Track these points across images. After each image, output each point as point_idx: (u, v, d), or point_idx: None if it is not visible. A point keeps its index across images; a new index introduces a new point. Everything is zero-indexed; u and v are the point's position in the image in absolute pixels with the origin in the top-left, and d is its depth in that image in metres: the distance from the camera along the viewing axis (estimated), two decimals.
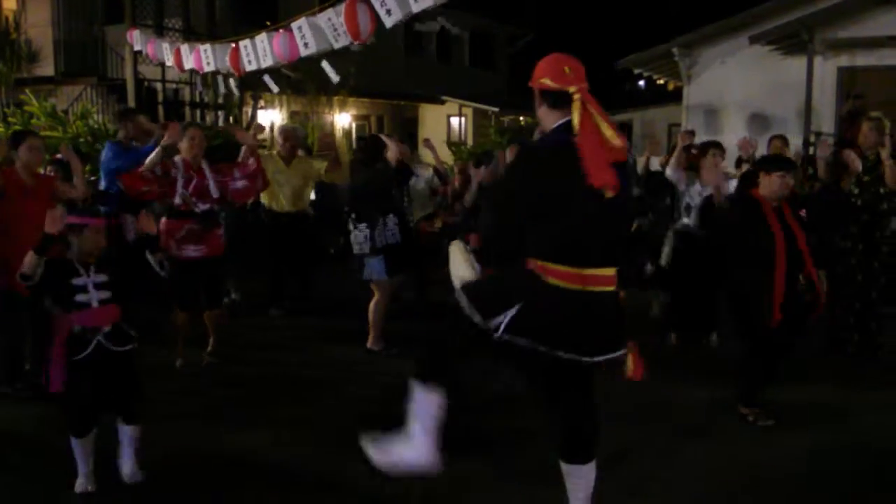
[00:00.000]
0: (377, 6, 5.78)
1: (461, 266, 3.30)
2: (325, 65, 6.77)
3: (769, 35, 13.64)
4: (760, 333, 4.84)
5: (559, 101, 3.08)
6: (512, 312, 2.99)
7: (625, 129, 23.77)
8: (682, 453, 4.53)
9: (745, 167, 8.65)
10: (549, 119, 3.14)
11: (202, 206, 6.08)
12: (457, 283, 3.26)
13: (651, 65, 17.20)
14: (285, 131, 8.12)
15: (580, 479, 3.25)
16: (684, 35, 15.26)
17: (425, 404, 3.06)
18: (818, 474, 4.28)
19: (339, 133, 20.58)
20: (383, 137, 6.94)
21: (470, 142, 23.04)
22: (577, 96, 3.02)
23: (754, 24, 14.12)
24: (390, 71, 21.14)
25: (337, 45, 6.33)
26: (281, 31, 6.84)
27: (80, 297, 3.97)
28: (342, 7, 6.11)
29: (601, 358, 3.08)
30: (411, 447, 3.05)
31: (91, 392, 3.96)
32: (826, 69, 13.39)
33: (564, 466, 3.27)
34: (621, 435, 4.59)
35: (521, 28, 27.74)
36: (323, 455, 4.52)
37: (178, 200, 6.00)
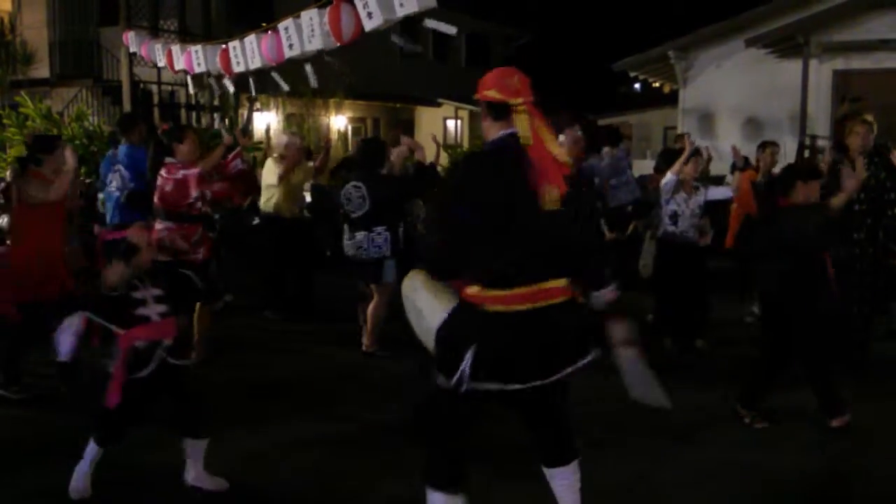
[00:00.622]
0: (360, 8, 5.72)
1: (427, 302, 3.22)
2: (308, 69, 6.72)
3: (765, 38, 13.68)
4: (804, 344, 4.86)
5: (503, 113, 3.10)
6: (468, 360, 2.96)
7: (620, 131, 23.77)
8: (675, 456, 4.52)
9: (737, 174, 8.66)
10: (492, 131, 3.15)
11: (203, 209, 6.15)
12: (421, 330, 3.24)
13: (647, 67, 17.24)
14: (288, 140, 8.12)
15: (564, 481, 3.24)
16: (680, 38, 15.29)
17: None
18: (815, 477, 4.28)
19: (334, 135, 20.61)
20: (403, 139, 7.02)
21: (466, 144, 23.04)
22: (521, 108, 3.05)
23: (750, 28, 14.16)
24: (386, 73, 21.14)
25: (311, 47, 6.24)
26: (269, 32, 6.81)
27: (141, 311, 3.83)
28: (327, 9, 6.06)
29: (568, 370, 3.03)
30: None
31: (142, 408, 3.86)
32: (821, 73, 13.43)
33: (548, 471, 3.26)
34: (614, 437, 4.58)
35: (517, 30, 27.77)
36: (325, 459, 4.51)
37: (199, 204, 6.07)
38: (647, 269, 6.92)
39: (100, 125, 12.73)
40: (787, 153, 11.59)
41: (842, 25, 13.14)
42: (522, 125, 3.03)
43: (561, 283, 3.05)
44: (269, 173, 7.88)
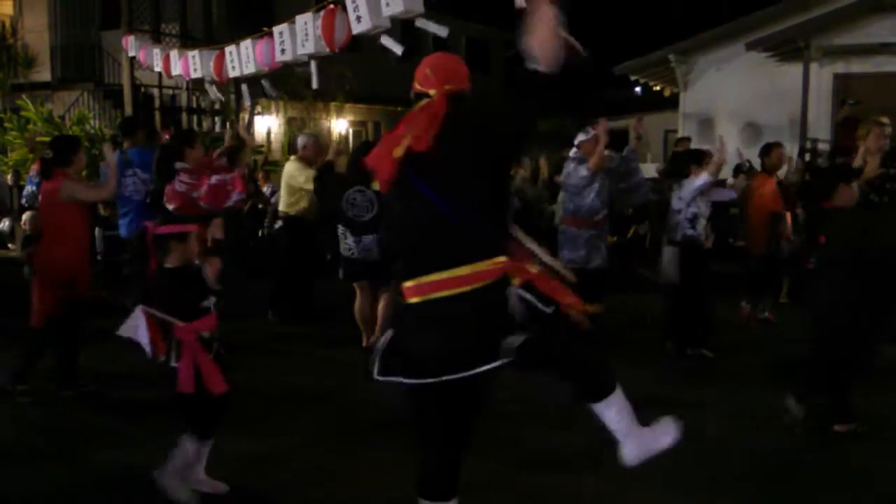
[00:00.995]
0: (350, 11, 5.72)
1: None
2: (312, 68, 6.71)
3: (765, 42, 13.70)
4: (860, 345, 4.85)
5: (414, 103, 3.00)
6: (378, 351, 2.88)
7: (621, 135, 23.77)
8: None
9: (741, 176, 8.66)
10: None
11: None
12: None
13: (647, 71, 17.27)
14: (310, 139, 8.16)
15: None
16: (681, 42, 15.31)
17: None
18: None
19: (336, 138, 20.61)
20: None
21: None
22: (429, 98, 2.93)
23: (751, 32, 14.18)
24: (386, 76, 21.13)
25: (303, 51, 6.23)
26: (265, 37, 6.80)
27: (205, 303, 3.94)
28: (322, 13, 6.05)
29: (479, 369, 2.69)
30: None
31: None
32: (822, 76, 13.44)
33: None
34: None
35: (515, 34, 27.76)
36: (326, 461, 4.51)
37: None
38: (669, 276, 6.76)
39: (101, 129, 12.77)
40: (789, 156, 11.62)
41: (842, 29, 13.16)
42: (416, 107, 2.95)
43: (456, 272, 2.71)
44: (297, 176, 7.82)
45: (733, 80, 14.39)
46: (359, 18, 5.67)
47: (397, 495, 3.95)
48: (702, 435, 4.75)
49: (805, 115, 12.76)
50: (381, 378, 2.85)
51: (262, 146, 16.47)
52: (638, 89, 30.67)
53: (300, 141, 8.07)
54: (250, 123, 16.51)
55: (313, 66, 6.51)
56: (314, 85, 6.78)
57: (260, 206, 10.99)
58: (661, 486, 4.05)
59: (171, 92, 15.89)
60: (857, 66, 13.45)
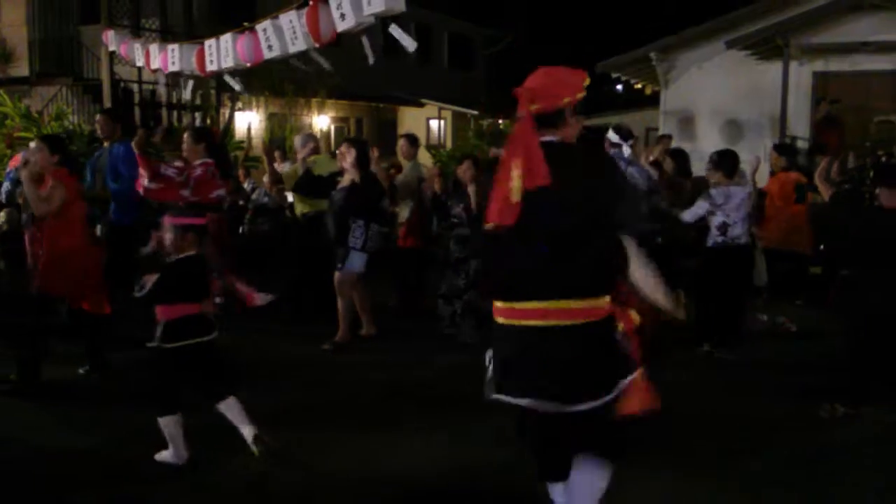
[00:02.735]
0: (333, 8, 5.72)
1: None
2: (315, 55, 6.68)
3: (745, 40, 13.76)
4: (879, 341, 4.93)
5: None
6: (490, 367, 2.99)
7: (603, 132, 23.86)
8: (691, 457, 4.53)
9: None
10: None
11: None
12: None
13: (629, 69, 17.30)
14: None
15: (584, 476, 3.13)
16: (662, 39, 15.36)
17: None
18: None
19: (317, 134, 20.55)
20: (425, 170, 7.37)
21: (449, 144, 23.06)
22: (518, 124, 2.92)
23: (731, 30, 14.24)
24: (369, 73, 21.05)
25: (294, 49, 6.23)
26: (246, 32, 6.78)
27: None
28: (305, 9, 6.05)
29: (579, 407, 2.84)
30: None
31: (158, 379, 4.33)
32: (801, 74, 13.54)
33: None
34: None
35: (500, 31, 27.82)
36: (328, 457, 4.51)
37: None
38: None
39: (80, 124, 12.66)
40: (768, 155, 11.70)
41: (821, 28, 13.24)
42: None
43: (552, 304, 2.80)
44: (326, 168, 7.75)
45: (714, 78, 14.45)
46: (343, 16, 5.66)
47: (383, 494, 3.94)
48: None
49: (784, 112, 12.84)
50: (496, 396, 2.97)
51: (242, 142, 16.39)
52: (619, 87, 30.85)
53: (299, 140, 8.02)
54: (230, 120, 16.44)
55: (316, 53, 6.49)
56: (325, 65, 6.75)
57: (241, 202, 10.93)
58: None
59: (150, 87, 15.78)
60: (836, 65, 13.55)
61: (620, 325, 2.85)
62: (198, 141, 6.57)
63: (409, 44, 5.61)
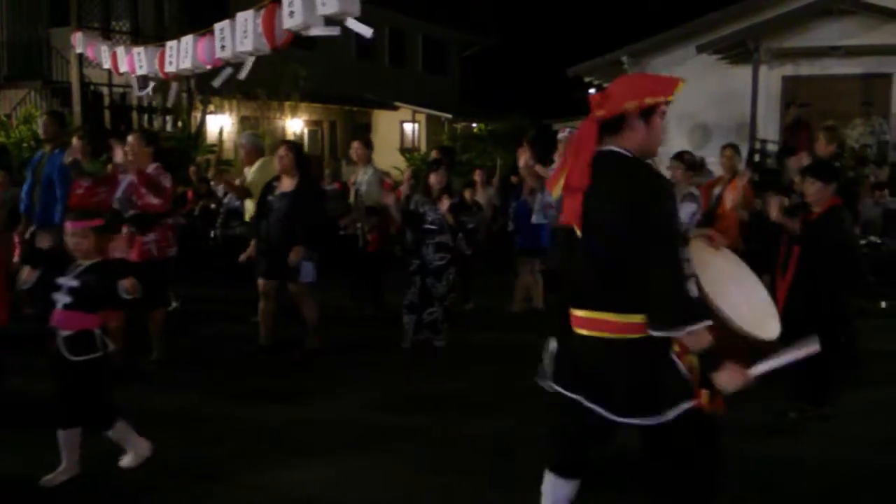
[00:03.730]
0: (284, 6, 5.65)
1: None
2: (247, 61, 6.60)
3: (716, 44, 13.92)
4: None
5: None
6: (552, 354, 3.04)
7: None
8: None
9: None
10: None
11: (131, 211, 6.17)
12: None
13: (601, 73, 17.41)
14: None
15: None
16: (633, 44, 15.48)
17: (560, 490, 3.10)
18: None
19: (290, 137, 20.44)
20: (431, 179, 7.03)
21: (423, 148, 23.05)
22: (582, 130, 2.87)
23: (701, 34, 14.40)
24: (342, 76, 21.07)
25: (243, 48, 6.11)
26: (207, 34, 6.66)
27: (56, 295, 4.06)
28: (262, 11, 5.95)
29: (630, 420, 2.75)
30: None
31: (58, 389, 4.04)
32: (771, 78, 13.71)
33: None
34: None
35: (473, 35, 27.86)
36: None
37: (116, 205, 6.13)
38: None
39: None
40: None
41: (791, 32, 13.43)
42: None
43: (601, 315, 2.74)
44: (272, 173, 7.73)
45: (685, 82, 14.58)
46: (291, 13, 5.59)
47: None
48: None
49: (754, 116, 13.00)
50: (551, 384, 2.96)
51: (214, 145, 16.28)
52: (592, 91, 31.03)
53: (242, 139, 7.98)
54: (202, 123, 16.32)
55: (249, 62, 6.42)
56: (241, 76, 6.72)
57: (212, 206, 10.83)
58: None
59: (121, 90, 15.64)
60: (805, 69, 13.74)
61: (676, 346, 2.72)
62: (147, 144, 6.29)
63: (366, 31, 5.53)
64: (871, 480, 4.29)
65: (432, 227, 6.84)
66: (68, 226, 4.18)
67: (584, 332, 2.79)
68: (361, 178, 8.04)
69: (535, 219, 7.73)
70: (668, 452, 2.82)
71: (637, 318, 2.67)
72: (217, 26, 6.34)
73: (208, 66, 6.69)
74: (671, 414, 2.69)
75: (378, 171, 8.24)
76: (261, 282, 6.64)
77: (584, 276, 2.79)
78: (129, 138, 6.45)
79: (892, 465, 4.46)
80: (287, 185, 6.57)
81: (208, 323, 7.95)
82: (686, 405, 2.69)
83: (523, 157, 7.54)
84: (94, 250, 4.13)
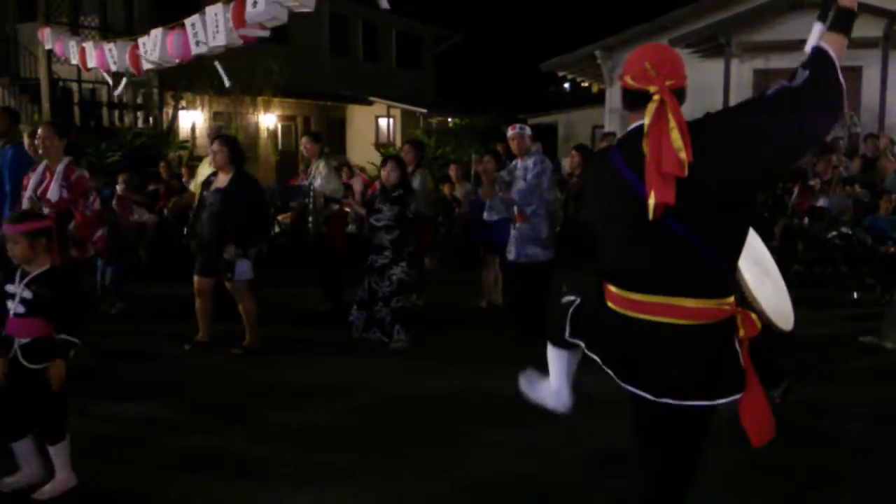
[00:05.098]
0: None
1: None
2: (217, 66, 6.52)
3: (688, 38, 13.99)
4: None
5: (637, 102, 2.71)
6: (572, 307, 2.85)
7: (550, 131, 24.05)
8: None
9: None
10: (629, 123, 2.81)
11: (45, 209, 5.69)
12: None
13: (575, 67, 17.46)
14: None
15: None
16: (606, 38, 15.53)
17: (557, 361, 3.05)
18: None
19: (263, 133, 20.32)
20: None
21: (398, 143, 23.01)
22: (656, 97, 2.63)
23: (674, 28, 14.47)
24: (316, 71, 20.96)
25: (215, 43, 6.04)
26: (176, 28, 6.55)
27: (9, 303, 3.87)
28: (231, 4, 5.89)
29: (663, 399, 2.64)
30: (552, 395, 3.07)
31: (11, 399, 3.87)
32: (742, 71, 13.81)
33: None
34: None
35: (447, 30, 27.84)
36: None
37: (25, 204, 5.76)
38: None
39: None
40: None
41: (762, 26, 13.53)
42: (647, 116, 2.63)
43: (679, 301, 2.63)
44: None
45: None
46: (255, 4, 5.56)
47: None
48: None
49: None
50: (570, 339, 2.88)
51: (186, 141, 16.13)
52: (567, 85, 31.11)
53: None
54: (174, 119, 16.17)
55: (219, 66, 6.36)
56: (226, 83, 6.62)
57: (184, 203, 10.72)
58: None
59: (90, 86, 15.44)
60: (776, 62, 13.84)
61: (741, 331, 2.65)
62: (60, 136, 5.88)
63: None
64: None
65: (376, 223, 6.73)
66: (5, 229, 3.98)
67: (645, 316, 2.66)
68: (314, 171, 7.96)
69: (486, 216, 7.73)
70: (670, 446, 2.75)
71: (711, 303, 2.61)
72: (188, 21, 6.25)
73: (176, 61, 6.61)
74: (720, 400, 2.61)
75: (330, 163, 8.19)
76: (196, 279, 6.51)
77: (657, 261, 2.66)
78: (40, 129, 6.04)
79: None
80: (221, 180, 6.44)
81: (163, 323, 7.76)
82: (737, 396, 2.63)
83: (485, 164, 7.43)
84: (35, 255, 3.86)
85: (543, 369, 3.09)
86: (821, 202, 9.64)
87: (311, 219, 7.86)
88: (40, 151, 5.90)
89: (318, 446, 4.62)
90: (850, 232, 8.90)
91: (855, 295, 8.57)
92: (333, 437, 4.77)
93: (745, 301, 2.78)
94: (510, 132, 6.90)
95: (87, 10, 15.68)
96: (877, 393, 5.57)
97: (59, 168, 5.80)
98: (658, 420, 2.70)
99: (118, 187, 9.30)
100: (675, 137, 2.55)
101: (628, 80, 2.72)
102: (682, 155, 2.53)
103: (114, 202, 8.88)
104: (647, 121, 2.61)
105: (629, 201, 2.62)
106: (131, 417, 5.12)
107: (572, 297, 2.91)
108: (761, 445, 2.63)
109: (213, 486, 4.09)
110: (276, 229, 9.52)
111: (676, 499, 2.77)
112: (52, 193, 5.73)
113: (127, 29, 14.17)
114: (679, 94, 2.69)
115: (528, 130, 6.83)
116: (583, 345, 2.86)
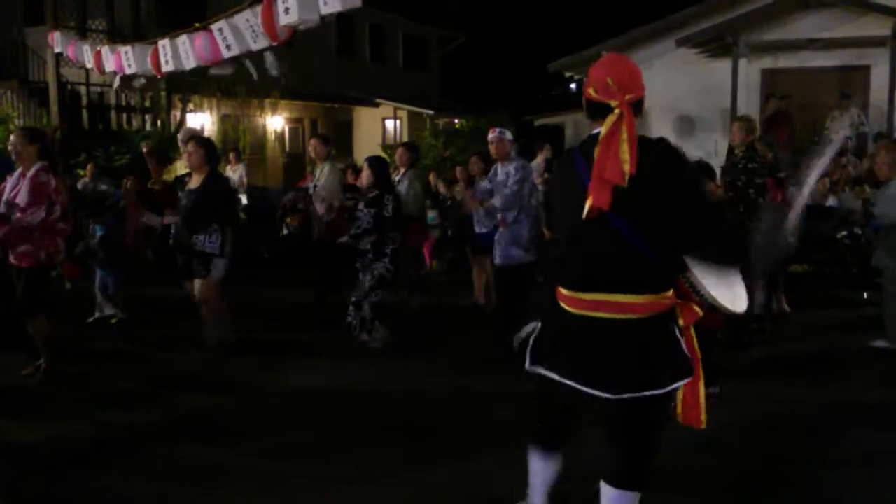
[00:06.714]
0: (279, 3, 5.65)
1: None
2: (267, 56, 6.58)
3: (695, 38, 13.95)
4: None
5: (599, 113, 2.93)
6: (532, 336, 3.05)
7: (558, 131, 24.01)
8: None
9: None
10: (591, 130, 3.00)
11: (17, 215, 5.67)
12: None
13: (581, 68, 17.37)
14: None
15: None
16: (613, 38, 15.49)
17: (538, 473, 3.32)
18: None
19: (271, 135, 20.35)
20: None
21: None
22: (616, 110, 2.85)
23: (681, 28, 14.42)
24: (323, 72, 20.96)
25: (255, 47, 6.16)
26: (203, 32, 6.65)
27: None
28: (259, 8, 5.98)
29: (624, 395, 2.83)
30: None
31: None
32: (750, 71, 13.75)
33: (601, 486, 3.06)
34: None
35: (453, 31, 27.81)
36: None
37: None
38: None
39: None
40: (719, 150, 11.86)
41: (770, 25, 13.47)
42: (604, 128, 2.84)
43: (629, 298, 2.84)
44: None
45: (665, 76, 14.57)
46: (287, 10, 5.60)
47: None
48: None
49: (734, 108, 13.01)
50: (531, 367, 3.04)
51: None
52: (573, 86, 31.06)
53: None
54: (182, 122, 16.21)
55: (269, 56, 6.43)
56: (274, 73, 6.68)
57: None
58: None
59: (98, 89, 15.48)
60: (784, 62, 13.80)
61: (681, 321, 2.91)
62: (32, 141, 5.79)
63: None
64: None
65: (356, 230, 6.77)
66: None
67: (594, 314, 2.87)
68: (319, 174, 8.10)
69: (477, 229, 7.70)
70: (635, 430, 2.94)
71: (652, 298, 2.84)
72: (215, 26, 6.35)
73: (208, 64, 6.71)
74: (672, 386, 2.86)
75: (335, 165, 8.34)
76: (188, 284, 6.54)
77: (604, 260, 2.87)
78: (12, 136, 6.01)
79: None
80: (194, 181, 6.48)
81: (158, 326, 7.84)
82: (686, 380, 2.88)
83: (471, 165, 7.45)
84: None
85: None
86: (829, 202, 9.61)
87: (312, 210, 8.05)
88: (13, 157, 5.84)
89: (310, 453, 4.59)
90: (860, 232, 8.87)
91: (865, 295, 8.53)
92: (326, 443, 4.73)
93: (693, 287, 2.94)
94: (490, 135, 6.84)
95: (95, 14, 15.72)
96: (887, 394, 5.55)
97: (29, 174, 5.72)
98: (619, 413, 2.91)
99: (124, 188, 9.30)
100: (624, 150, 2.78)
101: (591, 92, 2.95)
102: (626, 167, 2.76)
103: (122, 203, 8.91)
104: (603, 130, 2.83)
105: (580, 202, 2.83)
106: (116, 423, 5.10)
107: (531, 326, 3.09)
108: (688, 424, 2.98)
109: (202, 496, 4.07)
110: (284, 231, 9.54)
111: (641, 471, 2.98)
112: (21, 198, 5.65)
113: (134, 32, 14.20)
114: (637, 105, 2.94)
115: (507, 135, 6.77)
116: (542, 371, 3.00)
